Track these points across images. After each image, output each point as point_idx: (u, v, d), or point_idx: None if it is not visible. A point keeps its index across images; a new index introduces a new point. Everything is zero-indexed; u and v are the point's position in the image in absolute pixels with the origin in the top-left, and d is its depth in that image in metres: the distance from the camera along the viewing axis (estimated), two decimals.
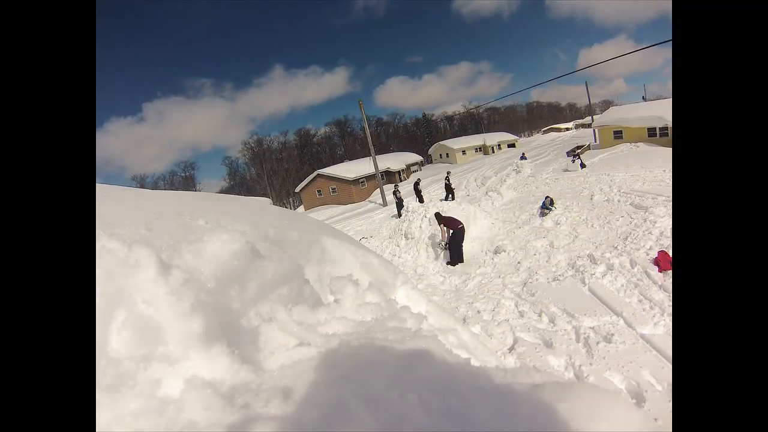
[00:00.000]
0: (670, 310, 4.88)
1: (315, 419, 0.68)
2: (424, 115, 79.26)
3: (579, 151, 23.14)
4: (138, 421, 0.72)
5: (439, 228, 9.52)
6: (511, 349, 5.00)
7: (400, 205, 16.34)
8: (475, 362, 1.68)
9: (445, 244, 9.23)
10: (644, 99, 32.35)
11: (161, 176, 67.70)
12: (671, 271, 5.76)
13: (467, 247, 9.28)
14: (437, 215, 9.61)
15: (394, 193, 17.61)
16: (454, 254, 8.95)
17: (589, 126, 37.18)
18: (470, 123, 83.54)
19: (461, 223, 9.03)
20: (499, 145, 48.13)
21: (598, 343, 4.63)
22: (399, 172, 37.09)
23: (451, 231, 8.96)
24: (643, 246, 6.87)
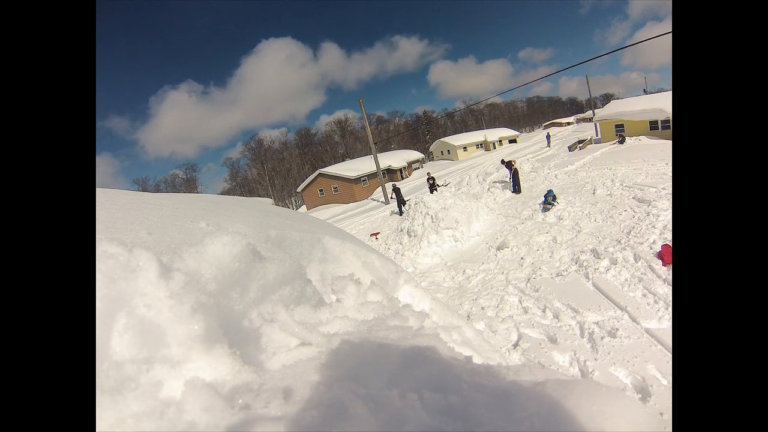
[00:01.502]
0: None
1: (314, 419, 0.68)
2: (425, 113, 79.15)
3: (581, 145, 23.05)
4: (140, 423, 0.73)
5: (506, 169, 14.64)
6: (516, 345, 4.99)
7: (401, 202, 17.07)
8: (477, 360, 1.68)
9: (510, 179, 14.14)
10: (645, 92, 32.17)
11: (163, 178, 67.94)
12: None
13: (471, 243, 9.27)
14: (502, 161, 15.49)
15: (395, 191, 18.31)
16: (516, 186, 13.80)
17: (590, 120, 37.03)
18: (471, 119, 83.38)
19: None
20: (500, 141, 48.06)
21: (602, 338, 4.62)
22: (401, 169, 37.06)
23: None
24: (647, 240, 6.84)
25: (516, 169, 14.41)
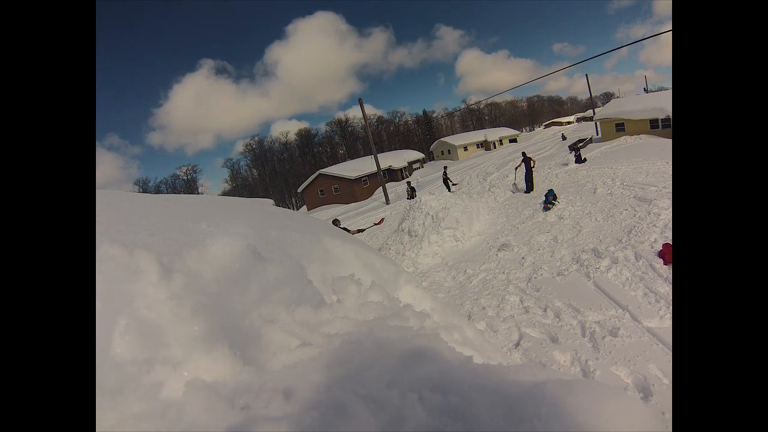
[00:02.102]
0: None
1: (315, 419, 0.68)
2: (425, 112, 79.09)
3: (581, 144, 23.03)
4: (140, 424, 0.73)
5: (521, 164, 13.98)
6: (517, 345, 4.99)
7: (412, 193, 18.37)
8: (478, 360, 1.68)
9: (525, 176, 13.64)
10: (646, 90, 32.14)
11: (164, 179, 67.81)
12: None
13: (471, 242, 9.28)
14: (523, 153, 14.29)
15: (408, 183, 19.91)
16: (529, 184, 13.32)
17: (590, 119, 37.07)
18: (471, 119, 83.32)
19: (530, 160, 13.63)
20: (500, 141, 48.04)
21: (604, 337, 4.61)
22: (401, 169, 37.09)
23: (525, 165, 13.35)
24: (648, 239, 6.82)
25: (532, 167, 13.57)
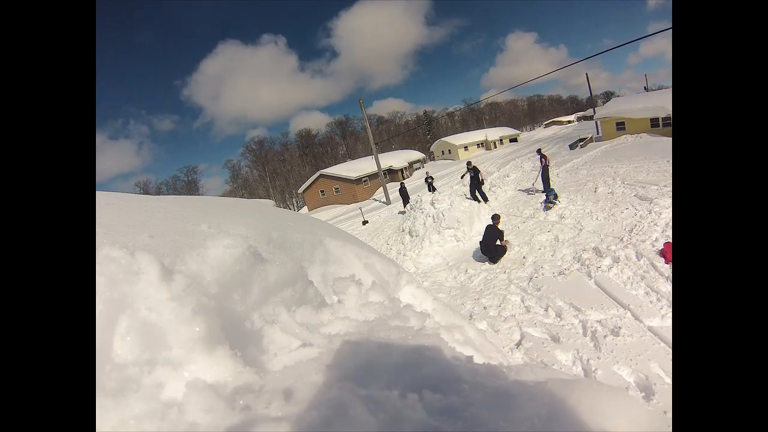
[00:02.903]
0: None
1: (315, 420, 0.69)
2: (425, 113, 79.11)
3: (582, 143, 23.00)
4: (141, 425, 0.73)
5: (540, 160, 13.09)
6: (518, 344, 4.98)
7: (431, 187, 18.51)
8: (479, 360, 1.68)
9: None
10: (646, 89, 32.05)
11: (164, 181, 67.79)
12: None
13: (472, 242, 9.28)
14: (538, 150, 13.98)
15: (426, 180, 19.99)
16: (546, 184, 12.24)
17: (591, 118, 37.00)
18: (471, 119, 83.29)
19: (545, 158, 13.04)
20: (501, 140, 48.00)
21: (605, 336, 4.60)
22: (402, 169, 37.06)
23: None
24: (649, 238, 6.81)
25: (547, 165, 12.40)
